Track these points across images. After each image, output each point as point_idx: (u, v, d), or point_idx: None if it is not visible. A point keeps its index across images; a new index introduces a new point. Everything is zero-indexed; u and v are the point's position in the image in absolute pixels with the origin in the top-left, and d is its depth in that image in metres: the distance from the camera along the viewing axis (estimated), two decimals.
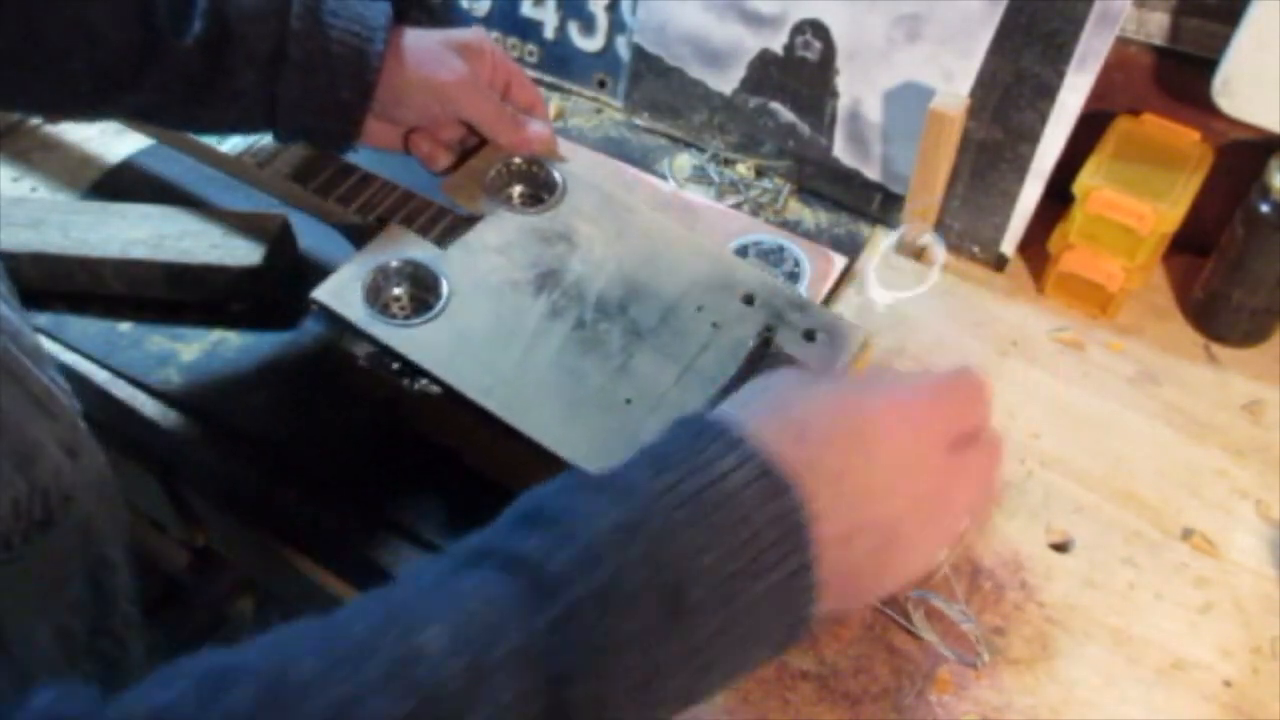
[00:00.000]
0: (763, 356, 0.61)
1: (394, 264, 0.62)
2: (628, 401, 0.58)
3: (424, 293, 0.62)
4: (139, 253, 0.71)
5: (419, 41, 0.63)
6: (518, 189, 0.69)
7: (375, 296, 0.61)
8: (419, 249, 0.63)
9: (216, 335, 0.72)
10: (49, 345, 0.72)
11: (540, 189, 0.69)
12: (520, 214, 0.66)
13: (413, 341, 0.58)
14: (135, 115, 0.63)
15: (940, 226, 0.78)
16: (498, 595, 0.35)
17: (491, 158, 0.69)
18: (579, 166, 0.70)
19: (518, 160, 0.69)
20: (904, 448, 0.41)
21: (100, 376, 0.70)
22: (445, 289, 0.61)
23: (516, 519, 0.39)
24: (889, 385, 0.44)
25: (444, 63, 0.64)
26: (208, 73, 0.58)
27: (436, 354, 0.58)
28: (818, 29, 0.76)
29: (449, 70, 0.64)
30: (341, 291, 0.60)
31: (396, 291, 0.62)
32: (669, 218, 0.69)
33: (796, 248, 0.76)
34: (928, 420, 0.42)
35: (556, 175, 0.68)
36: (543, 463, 0.56)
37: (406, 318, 0.60)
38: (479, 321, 0.60)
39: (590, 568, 0.35)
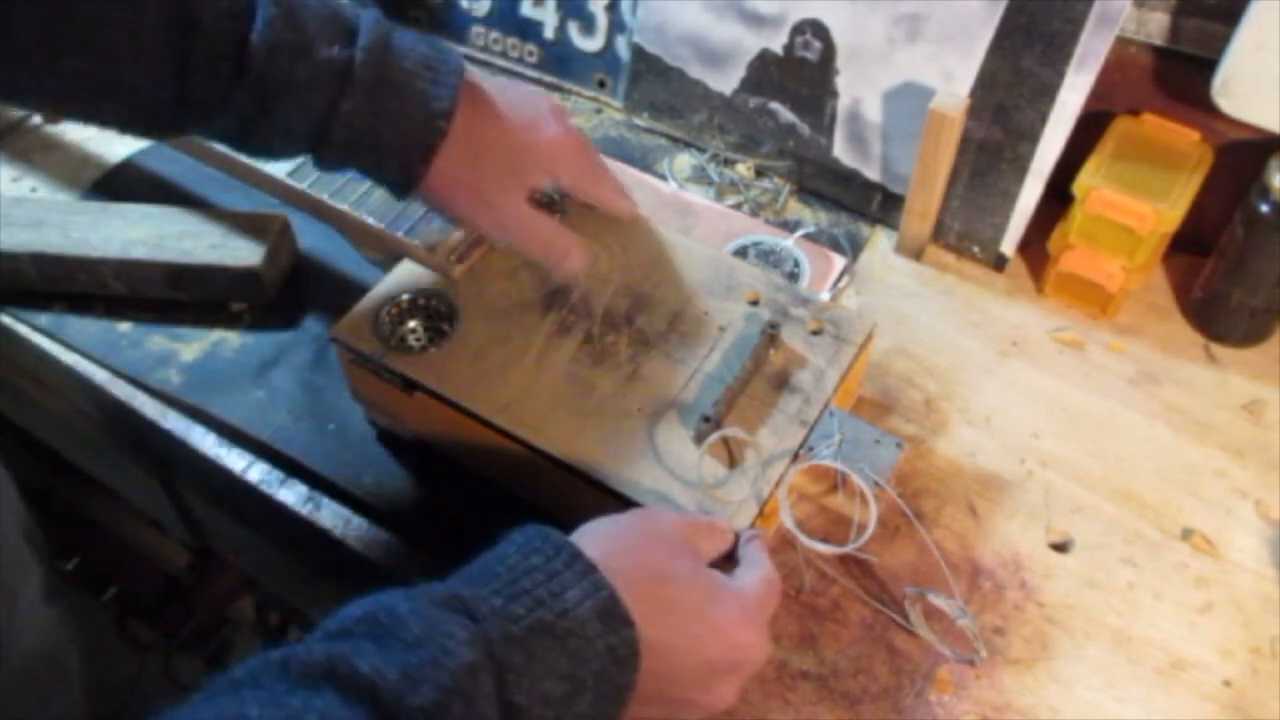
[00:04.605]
0: (769, 352, 0.61)
1: (406, 298, 0.63)
2: (638, 409, 0.59)
3: (438, 322, 0.64)
4: (139, 253, 0.71)
5: (500, 101, 0.59)
6: None
7: (391, 330, 0.62)
8: (431, 281, 0.64)
9: (216, 335, 0.72)
10: (50, 346, 0.72)
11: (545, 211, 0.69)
12: None
13: (428, 369, 0.60)
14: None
15: (940, 226, 0.78)
16: None
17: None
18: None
19: None
20: (735, 643, 0.48)
21: (100, 376, 0.70)
22: (457, 317, 0.62)
23: (369, 624, 0.40)
24: (742, 597, 0.49)
25: (538, 113, 0.61)
26: (246, 133, 0.55)
27: (451, 379, 0.59)
28: (818, 29, 0.76)
29: (547, 126, 0.61)
30: (358, 327, 0.62)
31: (411, 324, 0.64)
32: (670, 226, 0.69)
33: (796, 248, 0.76)
34: (755, 627, 0.49)
35: (556, 198, 0.69)
36: (551, 468, 0.58)
37: (422, 347, 0.61)
38: (490, 344, 0.61)
39: (444, 709, 0.38)
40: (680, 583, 0.47)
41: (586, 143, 0.65)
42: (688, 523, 0.51)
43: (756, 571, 0.51)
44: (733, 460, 0.57)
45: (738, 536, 0.54)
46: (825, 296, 0.73)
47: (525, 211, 0.60)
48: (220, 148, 0.72)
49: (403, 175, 0.56)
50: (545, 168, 0.61)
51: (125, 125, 0.55)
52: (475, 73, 0.59)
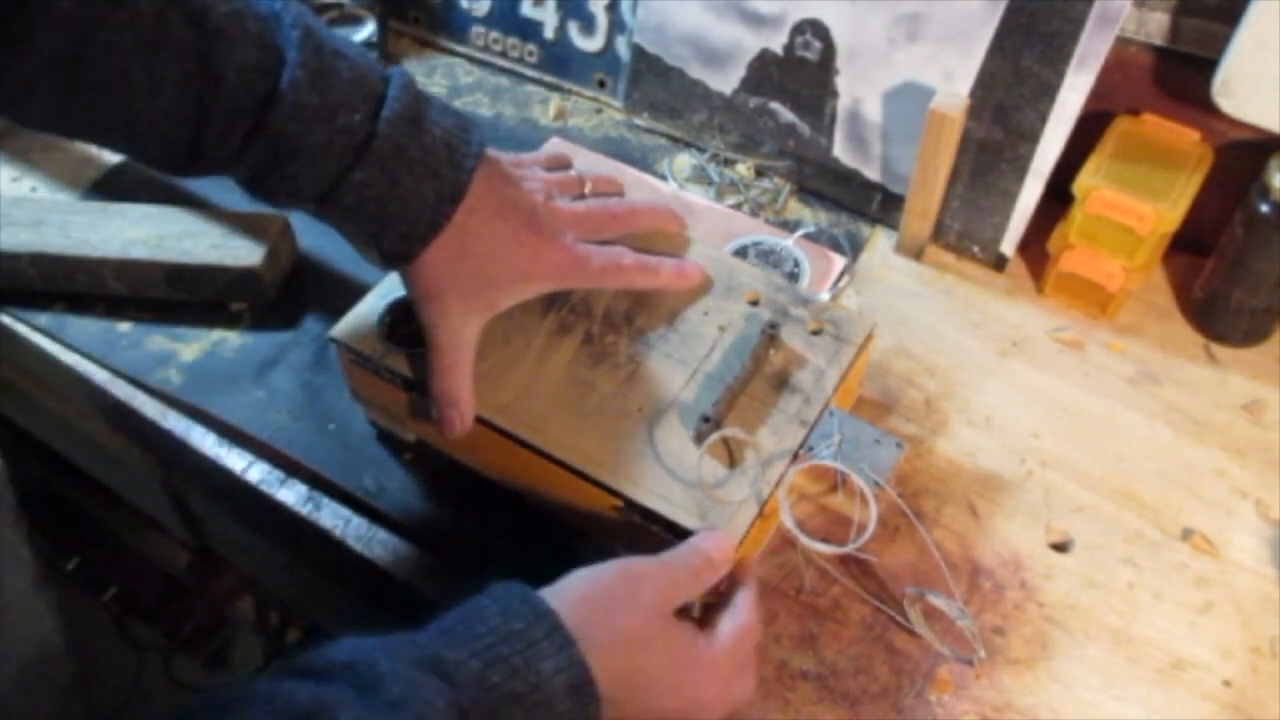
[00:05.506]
0: (769, 352, 0.61)
1: (406, 298, 0.62)
2: (638, 409, 0.59)
3: None
4: (139, 253, 0.71)
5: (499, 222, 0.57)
6: None
7: (390, 331, 0.62)
8: None
9: (216, 335, 0.72)
10: (50, 346, 0.72)
11: None
12: None
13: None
14: None
15: (940, 226, 0.78)
16: None
17: None
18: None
19: None
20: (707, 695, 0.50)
21: (100, 376, 0.71)
22: None
23: (348, 673, 0.41)
24: (715, 661, 0.50)
25: (554, 225, 0.59)
26: (254, 183, 0.54)
27: None
28: (818, 29, 0.76)
29: (544, 238, 0.59)
30: (358, 328, 0.62)
31: (411, 324, 0.63)
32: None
33: (796, 248, 0.76)
34: (723, 685, 0.51)
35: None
36: (551, 468, 0.58)
37: (422, 348, 0.61)
38: (490, 344, 0.61)
39: None
40: (653, 650, 0.48)
41: (585, 260, 0.60)
42: (669, 580, 0.50)
43: (737, 620, 0.52)
44: (733, 460, 0.57)
45: (733, 569, 0.54)
46: (825, 296, 0.73)
47: (463, 341, 0.57)
48: None
49: (401, 248, 0.54)
50: (523, 282, 0.59)
51: (136, 159, 0.54)
52: (493, 155, 0.57)
